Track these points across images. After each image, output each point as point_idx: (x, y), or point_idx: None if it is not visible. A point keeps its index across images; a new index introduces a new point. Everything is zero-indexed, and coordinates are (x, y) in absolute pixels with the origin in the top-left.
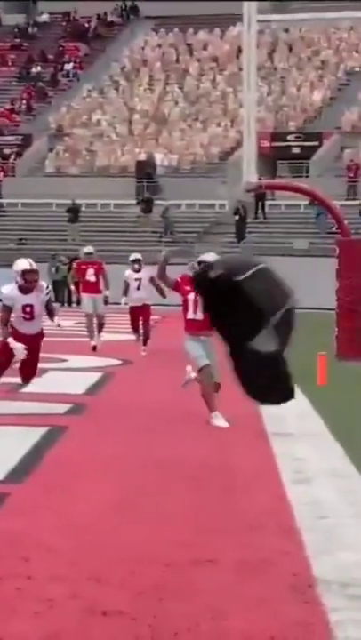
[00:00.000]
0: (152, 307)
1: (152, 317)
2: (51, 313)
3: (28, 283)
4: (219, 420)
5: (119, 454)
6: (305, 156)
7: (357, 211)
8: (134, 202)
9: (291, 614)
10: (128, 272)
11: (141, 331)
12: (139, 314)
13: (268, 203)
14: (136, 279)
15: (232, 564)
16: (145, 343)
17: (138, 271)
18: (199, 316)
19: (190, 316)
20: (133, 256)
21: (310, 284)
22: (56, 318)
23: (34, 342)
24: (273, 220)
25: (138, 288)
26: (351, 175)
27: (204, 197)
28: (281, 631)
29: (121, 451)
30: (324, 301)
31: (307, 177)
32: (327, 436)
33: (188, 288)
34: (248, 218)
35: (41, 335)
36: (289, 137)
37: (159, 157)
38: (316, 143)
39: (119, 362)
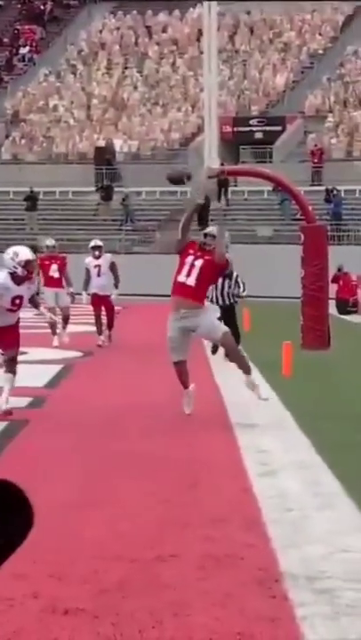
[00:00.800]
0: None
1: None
2: (36, 305)
3: (29, 273)
4: (189, 400)
5: (80, 448)
6: (268, 141)
7: (322, 197)
8: (93, 189)
9: (257, 609)
10: (88, 259)
11: (104, 320)
12: (101, 302)
13: (230, 189)
14: (96, 266)
15: (197, 558)
16: (110, 329)
17: (98, 258)
18: (191, 281)
19: (181, 278)
20: (93, 242)
21: (274, 272)
22: (42, 307)
23: (9, 335)
24: (236, 207)
25: (98, 275)
26: (315, 160)
27: (165, 184)
28: (247, 627)
29: (82, 445)
30: (289, 290)
31: (270, 162)
32: (293, 427)
33: (191, 251)
34: (211, 205)
35: (17, 326)
36: (252, 122)
37: (118, 143)
38: (279, 128)
39: (80, 354)
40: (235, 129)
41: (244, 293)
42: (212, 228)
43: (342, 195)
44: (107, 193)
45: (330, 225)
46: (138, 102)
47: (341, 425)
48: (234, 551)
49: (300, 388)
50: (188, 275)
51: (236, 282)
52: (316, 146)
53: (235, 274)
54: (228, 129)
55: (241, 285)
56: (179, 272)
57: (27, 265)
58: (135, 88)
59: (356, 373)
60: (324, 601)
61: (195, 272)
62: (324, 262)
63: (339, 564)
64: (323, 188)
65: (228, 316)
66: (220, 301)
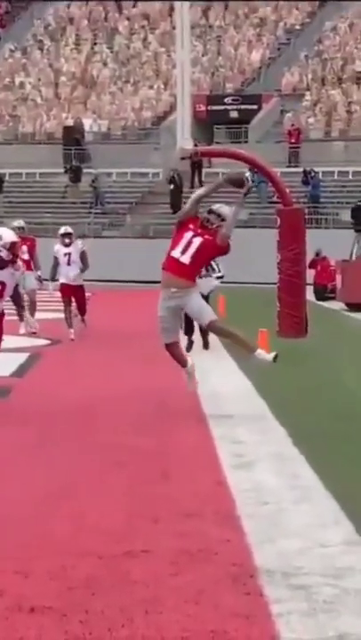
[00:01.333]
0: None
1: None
2: (18, 303)
3: (14, 257)
4: (190, 378)
5: (47, 440)
6: (243, 121)
7: (299, 178)
8: (61, 171)
9: (231, 606)
10: (57, 247)
11: (75, 312)
12: (70, 292)
13: (204, 171)
14: (65, 254)
15: (168, 554)
16: (83, 318)
17: (68, 245)
18: (185, 259)
19: (176, 254)
20: (63, 229)
21: (250, 256)
22: (26, 314)
23: None
24: None
25: (68, 263)
26: (293, 141)
27: (137, 165)
28: (221, 624)
29: (49, 436)
30: (265, 275)
31: (245, 142)
32: (269, 417)
33: (191, 226)
34: (184, 187)
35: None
36: (226, 100)
37: (88, 123)
38: (255, 107)
39: (48, 342)
40: (208, 108)
41: (220, 274)
42: (219, 206)
43: (320, 176)
44: (75, 174)
45: (307, 208)
46: (108, 80)
47: (319, 415)
48: (207, 546)
49: (277, 377)
50: (184, 252)
51: (211, 265)
52: (293, 125)
53: None
54: (202, 107)
55: (216, 268)
56: (174, 246)
57: (11, 248)
58: (105, 65)
59: (334, 362)
60: (300, 597)
61: (191, 249)
62: (301, 247)
63: (316, 559)
64: (300, 169)
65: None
66: None
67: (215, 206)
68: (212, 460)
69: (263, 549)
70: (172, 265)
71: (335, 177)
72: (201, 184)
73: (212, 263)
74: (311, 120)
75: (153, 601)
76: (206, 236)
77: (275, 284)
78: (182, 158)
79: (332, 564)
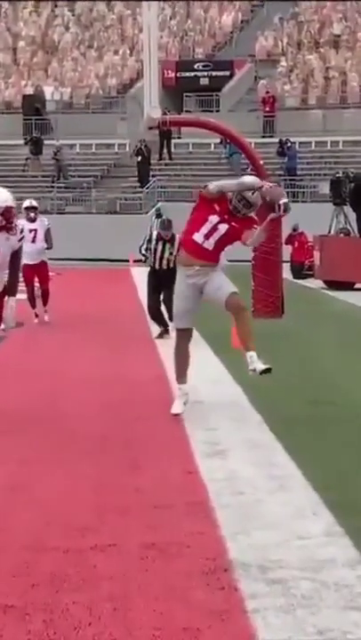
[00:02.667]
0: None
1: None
2: (14, 273)
3: (8, 222)
4: (179, 403)
5: (9, 428)
6: (215, 88)
7: (275, 149)
8: (21, 142)
9: (205, 602)
10: (21, 222)
11: (38, 292)
12: (33, 272)
13: (173, 141)
14: (31, 230)
15: (138, 548)
16: (45, 303)
17: (33, 221)
18: (208, 245)
19: (198, 238)
20: (28, 202)
21: None
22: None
23: None
24: (180, 162)
25: (33, 241)
26: (267, 109)
27: (102, 136)
28: (194, 621)
29: (11, 424)
30: (239, 252)
31: (217, 111)
32: (244, 403)
33: (217, 208)
34: (152, 159)
35: None
36: (196, 66)
37: (49, 91)
38: (227, 73)
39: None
40: (178, 74)
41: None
42: (255, 196)
43: (297, 147)
44: (36, 146)
45: (283, 180)
46: (70, 45)
47: (297, 399)
48: (179, 539)
49: None
50: (208, 237)
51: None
52: (267, 93)
53: (177, 237)
54: (171, 74)
55: None
56: (196, 227)
57: (5, 213)
58: (67, 29)
59: (312, 344)
60: (277, 592)
61: (216, 236)
62: (277, 221)
63: (294, 551)
64: (275, 139)
65: (166, 281)
66: (158, 266)
67: (247, 193)
68: (183, 449)
69: (238, 542)
70: (194, 248)
71: (313, 147)
72: (170, 156)
73: None
74: (287, 87)
75: (121, 598)
76: (233, 224)
77: (249, 261)
78: (150, 128)
79: (311, 557)
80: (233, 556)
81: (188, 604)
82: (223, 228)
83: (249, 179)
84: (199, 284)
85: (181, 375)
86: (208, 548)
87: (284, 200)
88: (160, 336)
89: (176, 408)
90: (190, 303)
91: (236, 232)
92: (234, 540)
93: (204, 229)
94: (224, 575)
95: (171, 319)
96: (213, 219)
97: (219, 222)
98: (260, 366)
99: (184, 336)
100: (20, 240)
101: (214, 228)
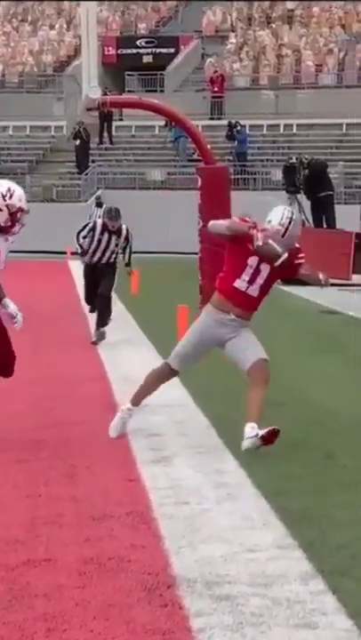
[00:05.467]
0: None
1: None
2: None
3: (12, 224)
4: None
5: None
6: (159, 66)
7: (224, 133)
8: None
9: (146, 621)
10: None
11: None
12: None
13: (114, 124)
14: None
15: (74, 563)
16: None
17: None
18: (253, 291)
19: (241, 285)
20: None
21: (167, 222)
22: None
23: None
24: (121, 146)
25: None
26: (215, 89)
27: (37, 118)
28: None
29: None
30: (185, 244)
31: (162, 91)
32: (190, 406)
33: (251, 249)
34: (91, 143)
35: None
36: (139, 43)
37: None
38: (171, 50)
39: None
40: (119, 51)
41: (129, 257)
42: (291, 225)
43: (247, 130)
44: None
45: (233, 166)
46: (1, 18)
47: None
48: (119, 553)
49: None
50: (251, 282)
51: (127, 239)
52: (215, 72)
53: (124, 228)
54: (111, 51)
55: (130, 240)
56: (237, 274)
57: (15, 213)
58: None
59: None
60: (225, 609)
61: (260, 280)
62: (226, 211)
63: (242, 565)
64: (224, 122)
65: (106, 274)
66: (97, 259)
67: (279, 237)
68: (124, 455)
69: (182, 556)
70: (236, 296)
71: (264, 131)
72: (111, 139)
73: (129, 239)
74: (236, 66)
75: (56, 617)
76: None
77: (196, 253)
78: (89, 109)
79: (261, 572)
80: (177, 571)
81: (129, 623)
82: (266, 268)
83: (240, 226)
84: (225, 338)
85: (139, 400)
86: (150, 562)
87: (283, 254)
88: (95, 343)
89: (115, 430)
90: (198, 351)
91: (281, 269)
92: (178, 554)
93: (246, 275)
94: (167, 592)
95: (102, 323)
96: (253, 261)
97: (260, 263)
98: (254, 442)
99: (169, 374)
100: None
101: (257, 271)
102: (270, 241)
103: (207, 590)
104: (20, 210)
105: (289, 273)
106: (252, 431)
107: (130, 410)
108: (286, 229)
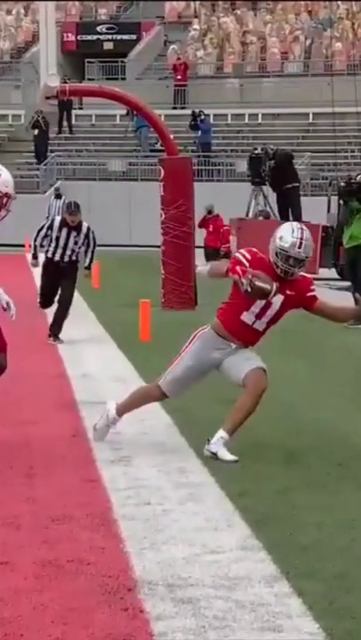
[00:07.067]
0: None
1: None
2: None
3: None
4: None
5: None
6: (120, 53)
7: (187, 122)
8: None
9: (106, 625)
10: None
11: None
12: None
13: (74, 113)
14: None
15: (32, 566)
16: None
17: None
18: (261, 325)
19: (248, 319)
20: None
21: (128, 214)
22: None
23: None
24: (81, 136)
25: None
26: (178, 77)
27: None
28: None
29: None
30: (147, 237)
31: (123, 79)
32: (151, 403)
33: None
34: (50, 132)
35: None
36: (99, 29)
37: None
38: (133, 37)
39: None
40: (78, 38)
41: (90, 260)
42: (302, 250)
43: (211, 120)
44: None
45: (196, 157)
46: None
47: (209, 399)
48: (78, 555)
49: (161, 356)
50: (260, 316)
51: (87, 237)
52: (178, 59)
53: (85, 226)
54: (71, 37)
55: (91, 244)
56: (245, 305)
57: (4, 198)
58: None
59: None
60: (187, 613)
61: (270, 312)
62: (189, 203)
63: (205, 568)
64: (188, 111)
65: (67, 276)
66: (59, 257)
67: (292, 250)
68: (84, 455)
69: (144, 558)
70: (239, 329)
71: (229, 121)
72: (70, 129)
73: (90, 237)
74: (200, 53)
75: (13, 622)
76: (288, 292)
77: (158, 247)
78: (48, 98)
79: (225, 574)
80: (138, 574)
81: (89, 627)
82: (277, 300)
83: (218, 270)
84: (221, 359)
85: (123, 413)
86: (111, 564)
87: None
88: (49, 336)
89: (100, 436)
90: (192, 376)
91: (292, 301)
92: (139, 556)
93: (255, 308)
94: (128, 595)
95: (56, 329)
96: (261, 302)
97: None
98: (228, 456)
99: (158, 397)
100: None
101: (267, 304)
102: (258, 281)
103: (169, 593)
104: (6, 195)
105: (303, 306)
106: (217, 442)
107: (115, 420)
108: (301, 240)
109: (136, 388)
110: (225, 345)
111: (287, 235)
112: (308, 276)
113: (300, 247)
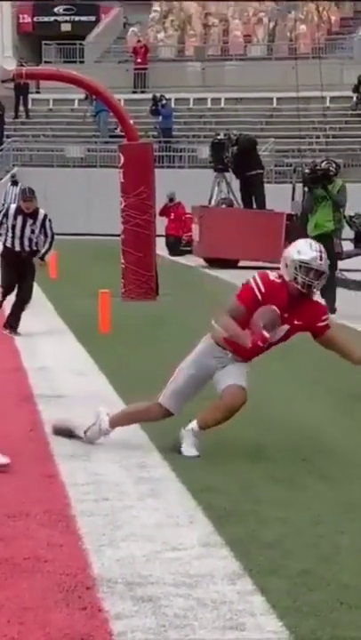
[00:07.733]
0: None
1: None
2: None
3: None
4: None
5: None
6: (78, 35)
7: (148, 107)
8: None
9: (64, 625)
10: None
11: None
12: None
13: (31, 97)
14: None
15: None
16: None
17: None
18: (260, 348)
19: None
20: None
21: (87, 202)
22: None
23: None
24: (38, 121)
25: None
26: (139, 60)
27: None
28: None
29: None
30: (106, 225)
31: (81, 62)
32: (111, 397)
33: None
34: (6, 117)
35: None
36: (57, 10)
37: None
38: (92, 18)
39: None
40: (35, 19)
41: (45, 251)
42: (324, 262)
43: (172, 105)
44: None
45: (157, 143)
46: None
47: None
48: (35, 553)
49: (121, 348)
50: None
51: (43, 226)
52: (138, 42)
53: (42, 213)
54: (27, 19)
55: (49, 233)
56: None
57: None
58: None
59: (189, 330)
60: (147, 612)
61: (271, 339)
62: (149, 190)
63: (166, 565)
64: (148, 95)
65: (26, 269)
66: (18, 247)
67: (314, 263)
68: (41, 449)
69: (102, 555)
70: (238, 347)
71: (191, 105)
72: (27, 113)
73: (46, 226)
74: (161, 35)
75: None
76: (297, 322)
77: (118, 235)
78: (3, 81)
79: (186, 571)
80: (97, 572)
81: (45, 626)
82: (283, 329)
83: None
84: (218, 367)
85: (117, 426)
86: (68, 562)
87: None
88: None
89: (93, 439)
90: (193, 384)
91: (299, 329)
92: (98, 553)
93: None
94: (86, 593)
95: (14, 321)
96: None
97: (281, 323)
98: (191, 451)
99: (160, 414)
100: None
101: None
102: (261, 339)
103: (129, 591)
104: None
105: (313, 334)
106: (189, 431)
107: (107, 431)
108: (321, 254)
109: (133, 403)
110: (222, 354)
111: (306, 248)
112: (323, 304)
113: (320, 260)
